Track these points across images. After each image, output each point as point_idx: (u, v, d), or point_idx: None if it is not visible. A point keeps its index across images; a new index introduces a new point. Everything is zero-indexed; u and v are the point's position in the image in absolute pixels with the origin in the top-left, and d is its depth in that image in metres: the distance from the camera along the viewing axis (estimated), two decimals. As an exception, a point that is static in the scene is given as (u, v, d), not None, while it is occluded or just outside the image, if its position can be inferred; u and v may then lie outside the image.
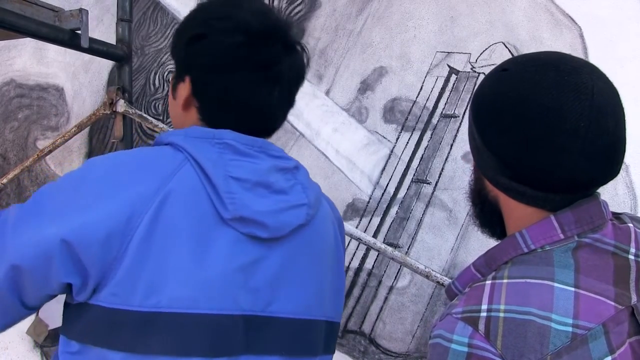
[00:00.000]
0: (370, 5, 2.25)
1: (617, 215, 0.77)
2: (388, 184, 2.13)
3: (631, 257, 0.70)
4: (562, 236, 0.70)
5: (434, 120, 2.09)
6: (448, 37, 2.09)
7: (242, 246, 0.77)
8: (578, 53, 1.91)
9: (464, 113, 2.06)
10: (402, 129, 2.14)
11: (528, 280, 0.67)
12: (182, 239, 0.73)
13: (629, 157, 1.82)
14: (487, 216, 0.83)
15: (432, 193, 2.07)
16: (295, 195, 0.85)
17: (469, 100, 2.04)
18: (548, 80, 0.68)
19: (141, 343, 0.71)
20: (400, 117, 2.14)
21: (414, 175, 2.10)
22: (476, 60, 2.04)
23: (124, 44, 2.00)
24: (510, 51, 1.99)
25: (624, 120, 0.71)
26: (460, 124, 2.07)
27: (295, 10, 2.37)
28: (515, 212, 0.76)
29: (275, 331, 0.81)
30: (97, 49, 1.89)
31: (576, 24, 1.93)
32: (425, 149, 2.09)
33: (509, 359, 0.61)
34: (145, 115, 1.99)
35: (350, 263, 2.16)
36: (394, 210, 2.11)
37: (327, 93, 2.27)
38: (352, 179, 2.19)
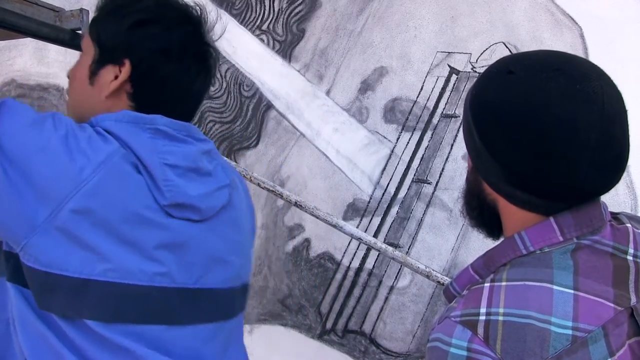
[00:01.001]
0: (370, 5, 2.25)
1: (615, 216, 0.77)
2: (388, 184, 2.13)
3: (630, 257, 0.70)
4: (561, 238, 0.70)
5: (435, 120, 2.09)
6: (448, 37, 2.09)
7: (174, 227, 0.83)
8: (578, 53, 1.91)
9: (465, 113, 2.06)
10: (402, 129, 2.14)
11: (527, 283, 0.66)
12: (118, 217, 0.76)
13: (630, 158, 1.82)
14: (486, 219, 0.82)
15: (433, 193, 2.07)
16: (219, 176, 0.92)
17: (470, 100, 2.04)
18: (560, 88, 0.66)
19: (72, 308, 0.75)
20: (401, 117, 2.14)
21: (415, 175, 2.10)
22: (477, 60, 2.04)
23: (124, 44, 2.00)
24: (510, 51, 1.99)
25: (628, 125, 0.70)
26: (461, 124, 2.07)
27: (296, 11, 2.37)
28: (515, 216, 0.75)
29: (206, 301, 0.87)
30: (97, 49, 1.88)
31: (576, 24, 1.93)
32: (426, 149, 2.09)
33: None
34: (145, 115, 1.99)
35: (351, 263, 2.16)
36: (394, 210, 2.11)
37: (328, 93, 2.27)
38: (352, 179, 2.19)
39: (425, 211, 2.07)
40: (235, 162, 2.31)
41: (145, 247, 0.78)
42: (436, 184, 2.07)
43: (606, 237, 0.70)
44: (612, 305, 0.65)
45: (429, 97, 2.11)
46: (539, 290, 0.65)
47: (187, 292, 0.84)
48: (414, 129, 2.12)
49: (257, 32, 2.44)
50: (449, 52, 2.09)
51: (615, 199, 1.80)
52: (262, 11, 2.43)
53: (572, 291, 0.64)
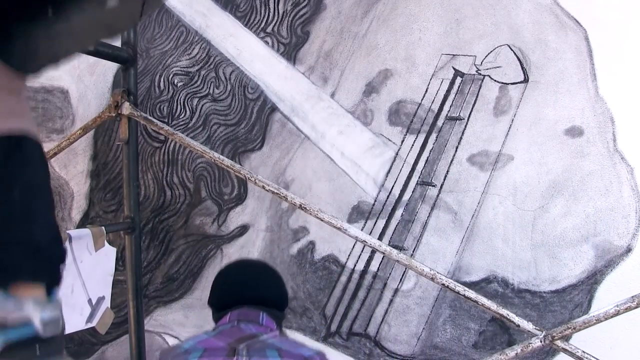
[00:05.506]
0: (375, 8, 2.25)
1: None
2: (393, 186, 2.13)
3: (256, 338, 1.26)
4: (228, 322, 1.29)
5: (439, 123, 2.10)
6: (453, 40, 2.10)
7: None
8: (583, 55, 1.91)
9: (469, 115, 2.06)
10: (407, 131, 2.14)
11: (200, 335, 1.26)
12: None
13: (635, 161, 1.82)
14: None
15: (437, 195, 2.07)
16: None
17: (474, 102, 2.04)
18: (226, 266, 1.48)
19: None
20: (406, 119, 2.14)
21: (419, 177, 2.10)
22: (481, 63, 2.04)
23: (129, 46, 2.01)
24: (515, 53, 1.99)
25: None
26: (466, 126, 2.07)
27: (301, 13, 2.38)
28: (215, 317, 1.38)
29: None
30: (102, 51, 1.89)
31: (581, 26, 1.93)
32: (431, 151, 2.09)
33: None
34: (150, 117, 1.99)
35: (355, 266, 2.16)
36: (399, 212, 2.11)
37: (333, 95, 2.27)
38: (357, 182, 2.19)
39: (429, 214, 2.07)
40: (240, 164, 2.32)
41: None
42: (441, 187, 2.07)
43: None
44: (225, 346, 1.18)
45: (433, 100, 2.11)
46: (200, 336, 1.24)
47: None
48: (419, 132, 2.12)
49: (262, 34, 2.44)
50: (453, 55, 2.09)
51: (620, 202, 1.80)
52: (267, 13, 2.44)
53: (206, 336, 1.22)
